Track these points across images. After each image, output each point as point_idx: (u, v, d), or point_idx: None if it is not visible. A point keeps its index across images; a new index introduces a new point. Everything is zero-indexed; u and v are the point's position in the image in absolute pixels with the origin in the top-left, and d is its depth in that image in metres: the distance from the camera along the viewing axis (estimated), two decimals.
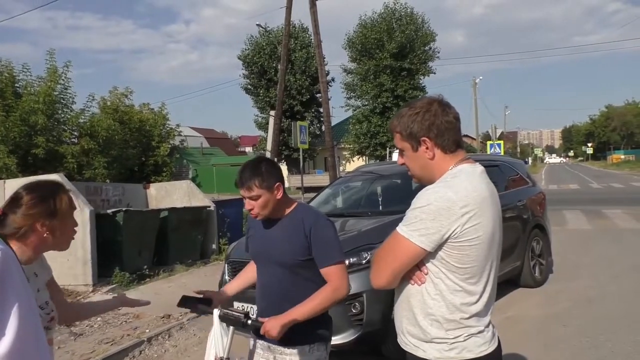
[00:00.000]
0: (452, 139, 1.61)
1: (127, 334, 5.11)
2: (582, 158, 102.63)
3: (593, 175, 38.91)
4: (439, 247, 1.52)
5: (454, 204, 1.49)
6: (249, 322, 2.06)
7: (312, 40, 27.87)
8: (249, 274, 2.42)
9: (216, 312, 2.15)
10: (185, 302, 2.25)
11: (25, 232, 1.55)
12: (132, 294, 6.58)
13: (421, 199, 1.54)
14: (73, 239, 1.70)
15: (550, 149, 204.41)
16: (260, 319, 2.06)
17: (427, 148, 1.62)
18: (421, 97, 1.72)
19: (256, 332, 2.25)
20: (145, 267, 7.42)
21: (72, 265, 6.69)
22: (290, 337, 2.09)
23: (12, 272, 1.12)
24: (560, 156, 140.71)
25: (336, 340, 3.85)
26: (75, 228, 1.71)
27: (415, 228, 1.52)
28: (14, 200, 1.58)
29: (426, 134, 1.60)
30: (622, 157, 64.35)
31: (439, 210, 1.49)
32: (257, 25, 28.11)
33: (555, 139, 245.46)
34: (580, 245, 9.07)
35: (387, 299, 4.12)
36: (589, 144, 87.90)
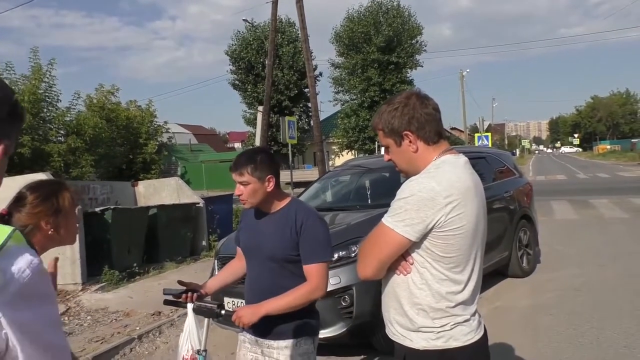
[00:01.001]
0: (433, 130, 1.63)
1: (117, 332, 5.09)
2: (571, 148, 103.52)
3: (579, 166, 39.34)
4: (424, 237, 1.54)
5: (437, 194, 1.52)
6: (223, 312, 2.12)
7: (300, 35, 27.81)
8: (230, 270, 2.44)
9: (190, 305, 2.17)
10: (168, 301, 2.30)
11: (31, 230, 1.60)
12: (121, 292, 6.57)
13: (405, 190, 1.56)
14: (77, 233, 1.76)
15: (537, 140, 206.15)
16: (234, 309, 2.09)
17: (410, 142, 1.64)
18: (399, 93, 1.75)
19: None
20: (134, 265, 7.39)
21: (60, 264, 6.57)
22: (278, 330, 2.11)
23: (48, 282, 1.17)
24: (548, 147, 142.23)
25: (326, 333, 3.89)
26: (77, 224, 1.77)
27: (400, 219, 1.54)
28: (18, 200, 1.64)
29: (407, 128, 1.62)
30: (608, 147, 65.08)
31: (423, 201, 1.51)
32: (244, 20, 28.03)
33: (543, 130, 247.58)
34: (567, 235, 9.19)
35: (376, 291, 4.12)
36: (576, 135, 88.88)
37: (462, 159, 1.65)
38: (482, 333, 1.65)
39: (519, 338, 4.37)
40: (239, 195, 2.16)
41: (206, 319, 2.23)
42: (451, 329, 1.58)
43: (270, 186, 2.15)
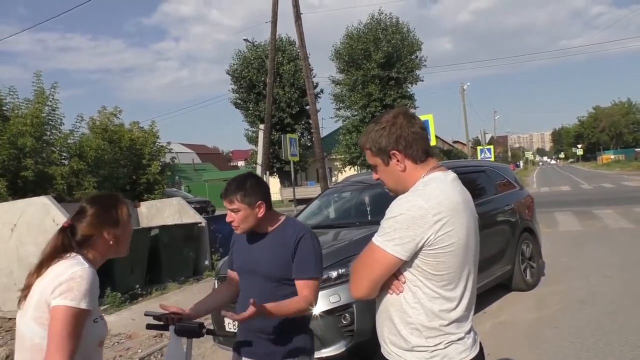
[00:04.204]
0: (421, 149, 1.64)
1: (119, 355, 5.07)
2: (572, 160, 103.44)
3: (583, 177, 39.18)
4: (415, 255, 1.54)
5: (426, 212, 1.51)
6: (204, 331, 2.14)
7: (299, 53, 28.06)
8: (218, 294, 2.42)
9: (172, 328, 2.17)
10: (150, 325, 2.28)
11: (94, 240, 1.74)
12: (124, 314, 6.54)
13: (394, 209, 1.56)
14: (130, 244, 1.87)
15: (540, 152, 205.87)
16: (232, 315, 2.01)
17: (397, 161, 1.64)
18: (386, 112, 1.75)
19: (238, 349, 2.27)
20: (137, 286, 7.36)
21: None
22: (274, 351, 2.10)
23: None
24: (552, 158, 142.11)
25: (327, 352, 3.85)
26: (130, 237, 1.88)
27: (390, 238, 1.53)
28: (80, 213, 1.76)
29: (395, 147, 1.63)
30: (612, 157, 64.90)
31: (412, 219, 1.51)
32: (245, 40, 28.36)
33: (546, 142, 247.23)
34: (571, 247, 9.12)
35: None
36: (579, 145, 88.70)
37: (451, 176, 1.65)
38: (477, 351, 1.63)
39: (524, 353, 4.32)
40: (231, 222, 2.17)
41: (188, 340, 2.22)
42: (445, 347, 1.56)
43: (261, 212, 2.16)
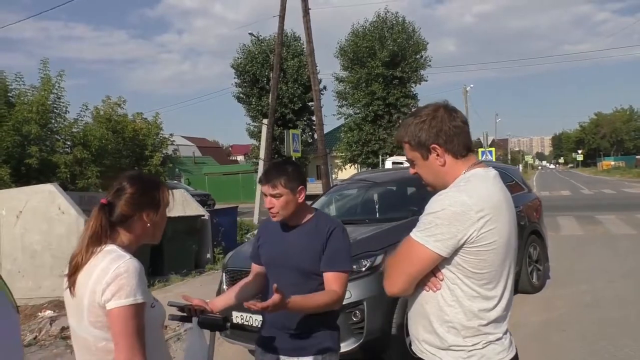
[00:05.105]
0: (461, 144, 1.60)
1: None
2: (572, 165, 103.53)
3: (584, 182, 39.21)
4: (455, 252, 1.50)
5: (469, 208, 1.48)
6: (228, 324, 2.09)
7: (304, 49, 27.91)
8: (241, 289, 2.32)
9: (195, 319, 2.13)
10: (173, 315, 2.24)
11: (132, 221, 1.64)
12: None
13: (435, 204, 1.52)
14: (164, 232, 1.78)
15: (540, 156, 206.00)
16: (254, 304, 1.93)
17: (437, 155, 1.60)
18: (426, 105, 1.69)
19: (262, 345, 2.22)
20: None
21: (62, 279, 6.62)
22: (301, 346, 2.07)
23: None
24: (551, 163, 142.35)
25: None
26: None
27: (431, 233, 1.50)
28: (120, 190, 1.65)
29: (435, 141, 1.59)
30: (612, 163, 64.97)
31: (455, 215, 1.48)
32: (250, 34, 28.12)
33: (546, 146, 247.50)
34: (574, 251, 9.11)
35: (387, 306, 4.11)
36: (579, 151, 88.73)
37: (492, 172, 1.62)
38: (514, 352, 1.60)
39: (531, 356, 4.30)
40: (270, 208, 2.13)
41: (211, 333, 2.18)
42: (483, 347, 1.53)
43: (301, 197, 2.14)
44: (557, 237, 10.43)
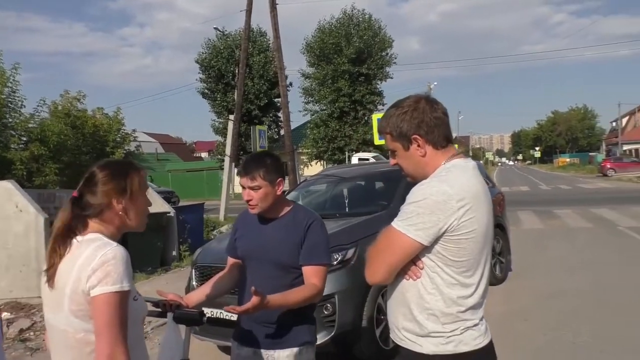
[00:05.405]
0: (442, 135, 1.63)
1: None
2: (530, 161, 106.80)
3: (541, 178, 40.51)
4: (435, 241, 1.53)
5: (450, 197, 1.51)
6: (204, 319, 2.05)
7: (270, 45, 27.71)
8: (217, 283, 2.29)
9: (170, 315, 2.10)
10: (150, 312, 2.18)
11: (102, 210, 1.57)
12: None
13: (417, 194, 1.54)
14: (146, 220, 1.70)
15: (500, 153, 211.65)
16: (233, 308, 1.94)
17: (418, 146, 1.62)
18: (407, 96, 1.71)
19: (239, 338, 2.20)
20: None
21: (25, 276, 6.38)
22: (278, 339, 2.06)
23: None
24: (510, 159, 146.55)
25: None
26: (147, 210, 1.72)
27: (412, 222, 1.52)
28: (89, 179, 1.60)
29: (416, 132, 1.61)
30: (568, 160, 67.30)
31: (436, 204, 1.50)
32: (215, 28, 27.85)
33: (505, 143, 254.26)
34: (535, 244, 9.42)
35: (358, 300, 4.14)
36: (537, 148, 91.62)
37: (472, 163, 1.66)
38: (490, 337, 1.65)
39: (496, 345, 4.40)
40: (248, 201, 2.11)
41: (187, 328, 2.15)
42: (461, 333, 1.57)
43: (280, 189, 2.12)
44: (518, 231, 10.74)
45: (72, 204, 1.58)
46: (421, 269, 1.57)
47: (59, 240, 1.54)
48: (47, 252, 1.57)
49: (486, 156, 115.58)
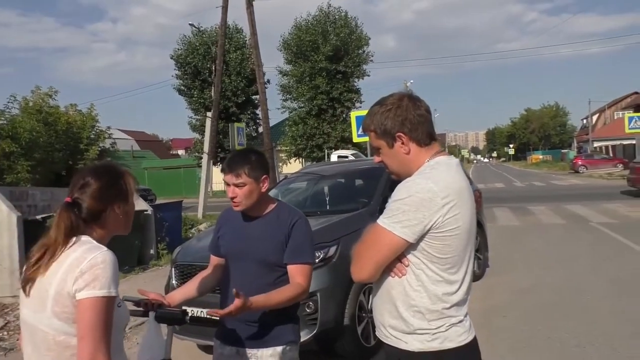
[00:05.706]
0: (425, 132, 1.63)
1: None
2: (504, 159, 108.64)
3: (515, 175, 41.24)
4: (421, 238, 1.54)
5: (435, 194, 1.51)
6: (187, 318, 2.02)
7: (247, 42, 27.51)
8: (199, 282, 2.27)
9: (152, 314, 2.07)
10: (132, 312, 2.14)
11: (104, 216, 1.56)
12: None
13: (402, 191, 1.55)
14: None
15: (475, 150, 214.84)
16: (216, 311, 1.93)
17: (402, 143, 1.63)
18: (391, 94, 1.72)
19: (222, 337, 2.18)
20: None
21: None
22: (261, 338, 2.04)
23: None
24: (485, 157, 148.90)
25: None
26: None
27: (398, 220, 1.52)
28: (84, 187, 1.56)
29: (400, 129, 1.62)
30: (541, 157, 68.71)
31: (422, 202, 1.51)
32: (190, 25, 27.36)
33: (480, 141, 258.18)
34: (511, 240, 9.58)
35: (340, 298, 4.15)
36: (511, 145, 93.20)
37: (455, 161, 1.67)
38: (474, 334, 1.67)
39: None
40: (232, 198, 2.08)
41: (169, 327, 2.11)
42: (446, 330, 1.58)
43: (265, 186, 2.10)
44: (494, 228, 10.91)
45: (68, 210, 1.53)
46: (406, 266, 1.58)
47: (58, 249, 1.49)
48: (34, 252, 1.52)
49: (462, 153, 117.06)
